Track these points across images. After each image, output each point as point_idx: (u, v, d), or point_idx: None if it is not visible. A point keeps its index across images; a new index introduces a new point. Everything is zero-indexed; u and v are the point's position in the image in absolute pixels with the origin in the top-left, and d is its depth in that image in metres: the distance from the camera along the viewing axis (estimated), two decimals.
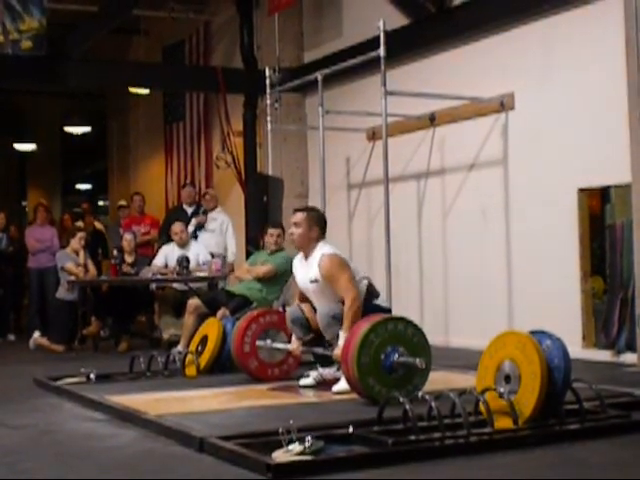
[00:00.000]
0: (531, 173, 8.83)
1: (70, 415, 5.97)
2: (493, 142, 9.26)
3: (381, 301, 6.64)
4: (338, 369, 6.65)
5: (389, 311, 6.62)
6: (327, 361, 6.68)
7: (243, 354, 7.13)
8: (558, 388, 4.83)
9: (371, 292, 6.53)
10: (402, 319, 6.03)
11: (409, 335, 5.93)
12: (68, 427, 5.56)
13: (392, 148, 8.89)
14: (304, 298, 6.80)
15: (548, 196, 8.62)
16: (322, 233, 6.61)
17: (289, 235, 6.82)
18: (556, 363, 4.85)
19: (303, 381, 6.68)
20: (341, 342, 6.18)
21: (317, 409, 5.84)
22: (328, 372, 6.65)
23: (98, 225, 13.61)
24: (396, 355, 5.84)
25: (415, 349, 5.89)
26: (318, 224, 6.60)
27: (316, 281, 6.48)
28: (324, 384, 6.59)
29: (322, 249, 6.51)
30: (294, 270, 6.85)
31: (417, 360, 5.79)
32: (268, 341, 7.09)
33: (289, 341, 6.96)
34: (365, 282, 6.51)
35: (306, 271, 6.61)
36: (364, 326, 5.89)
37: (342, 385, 6.32)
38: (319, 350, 6.61)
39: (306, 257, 6.64)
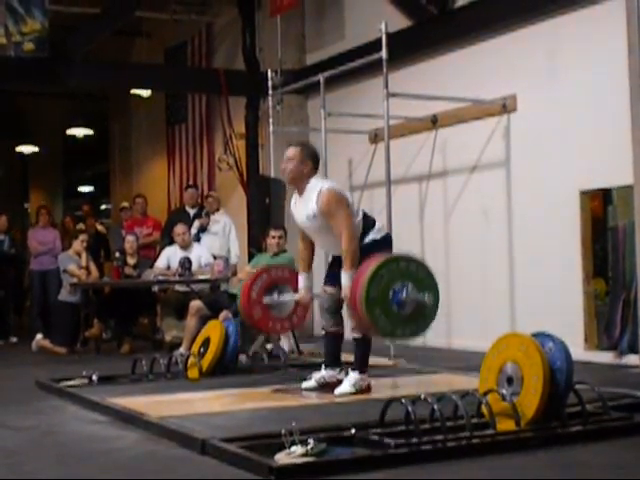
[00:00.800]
0: (533, 175, 8.83)
1: (72, 417, 5.97)
2: (495, 144, 9.26)
3: (377, 231, 6.49)
4: (340, 371, 6.65)
5: (385, 240, 6.51)
6: (333, 362, 6.65)
7: (257, 321, 7.13)
8: (560, 390, 4.83)
9: (366, 225, 6.42)
10: (412, 258, 6.09)
11: (417, 273, 5.97)
12: (70, 429, 5.56)
13: (394, 150, 8.89)
14: (304, 237, 6.71)
15: (550, 198, 8.62)
16: (315, 168, 6.48)
17: (281, 171, 6.66)
18: (558, 365, 4.84)
19: (306, 384, 6.67)
20: (345, 281, 6.14)
21: (319, 411, 5.83)
22: (330, 374, 6.64)
23: (99, 227, 13.61)
24: (405, 291, 5.86)
25: (423, 286, 5.93)
26: (311, 158, 6.47)
27: (314, 217, 6.34)
28: (326, 386, 6.59)
29: (320, 183, 6.39)
30: (292, 209, 6.65)
31: (425, 295, 5.86)
32: (275, 295, 7.10)
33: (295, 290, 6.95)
34: (359, 218, 6.41)
35: (303, 207, 6.43)
36: (373, 263, 5.89)
37: (345, 388, 6.32)
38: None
39: (300, 193, 6.50)
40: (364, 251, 6.22)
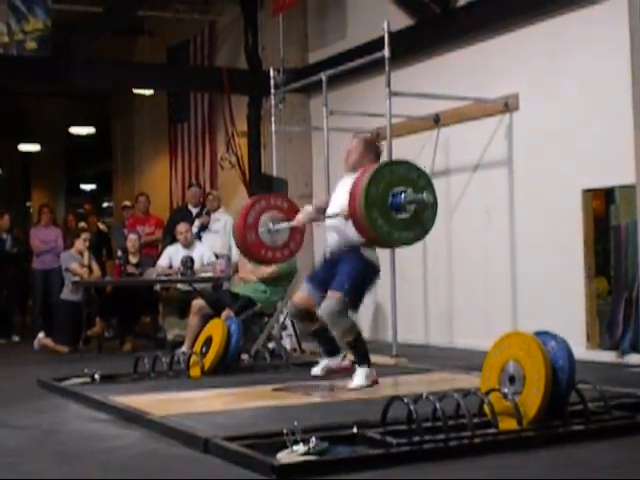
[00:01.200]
0: (536, 174, 8.83)
1: (74, 416, 5.98)
2: (498, 143, 9.26)
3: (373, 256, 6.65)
4: (344, 358, 6.70)
5: (377, 268, 6.68)
6: (332, 352, 6.73)
7: (249, 245, 7.17)
8: (562, 389, 4.83)
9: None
10: (414, 165, 6.20)
11: (418, 180, 6.09)
12: (72, 428, 5.57)
13: (396, 149, 8.87)
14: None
15: (552, 197, 8.62)
16: (375, 160, 6.63)
17: (344, 162, 6.79)
18: (560, 364, 4.84)
19: (314, 371, 6.83)
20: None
21: (321, 410, 5.83)
22: (334, 363, 6.71)
23: (101, 226, 13.60)
24: (404, 195, 5.97)
25: (421, 189, 6.05)
26: (373, 151, 6.70)
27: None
28: (332, 374, 6.66)
29: None
30: (336, 189, 6.79)
31: (424, 194, 5.97)
32: (270, 225, 7.14)
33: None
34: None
35: (347, 183, 6.47)
36: (373, 167, 6.06)
37: (359, 381, 6.37)
38: None
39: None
40: (355, 260, 6.41)
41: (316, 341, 6.96)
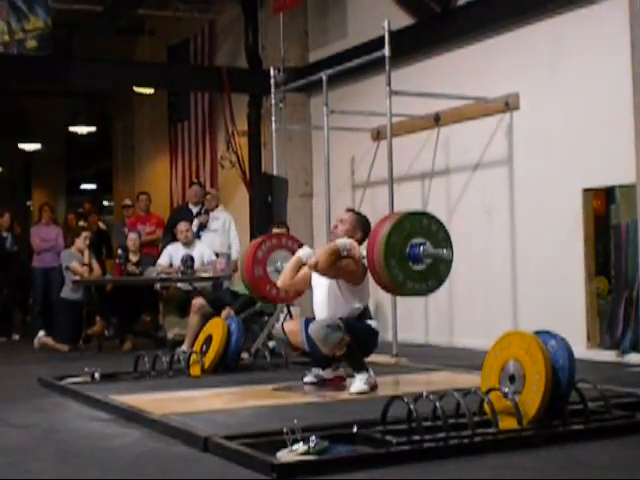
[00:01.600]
0: (536, 173, 8.83)
1: (74, 415, 5.98)
2: (498, 142, 9.26)
3: (374, 324, 6.57)
4: (336, 368, 6.65)
5: (377, 334, 6.54)
6: (324, 363, 6.67)
7: (256, 280, 7.18)
8: (563, 388, 4.83)
9: (365, 313, 6.52)
10: (434, 218, 6.32)
11: (437, 233, 6.18)
12: (72, 426, 5.57)
13: (397, 148, 8.88)
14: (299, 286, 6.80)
15: (553, 196, 8.62)
16: (362, 240, 6.55)
17: (332, 229, 6.75)
18: (561, 363, 4.84)
19: (307, 378, 6.72)
20: (340, 241, 6.30)
21: (321, 409, 5.83)
22: (327, 372, 6.66)
23: (101, 225, 13.58)
24: (422, 247, 6.05)
25: (439, 243, 6.12)
26: (362, 229, 6.58)
27: None
28: (325, 382, 6.60)
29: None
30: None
31: (444, 251, 6.06)
32: (278, 264, 7.14)
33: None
34: (362, 305, 6.49)
35: None
36: (394, 217, 6.17)
37: (359, 386, 6.31)
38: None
39: None
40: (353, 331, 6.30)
41: (306, 356, 6.87)
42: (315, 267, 6.26)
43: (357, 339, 6.28)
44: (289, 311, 9.33)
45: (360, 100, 10.78)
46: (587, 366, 7.00)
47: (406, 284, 6.11)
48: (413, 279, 6.09)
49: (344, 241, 6.32)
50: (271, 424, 4.92)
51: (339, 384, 6.58)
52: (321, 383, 6.64)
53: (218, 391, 6.61)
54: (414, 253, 6.05)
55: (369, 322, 6.50)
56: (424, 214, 6.42)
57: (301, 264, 6.61)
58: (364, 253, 6.29)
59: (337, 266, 6.25)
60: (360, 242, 6.50)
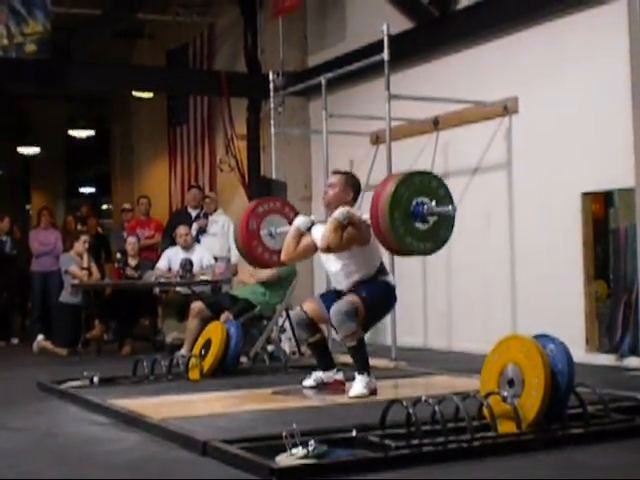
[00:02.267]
0: (535, 177, 8.83)
1: (73, 418, 5.97)
2: (497, 146, 9.26)
3: (390, 280, 6.67)
4: (337, 371, 6.67)
5: (394, 290, 6.65)
6: (327, 366, 6.69)
7: (250, 244, 7.20)
8: (562, 392, 4.83)
9: (381, 269, 6.59)
10: (433, 175, 6.38)
11: (437, 190, 6.21)
12: (71, 430, 5.56)
13: (396, 152, 8.88)
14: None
15: (552, 200, 8.62)
16: (354, 199, 6.61)
17: (324, 195, 6.73)
18: (560, 367, 4.84)
19: (306, 382, 6.71)
20: (337, 212, 6.30)
21: (320, 413, 5.84)
22: (327, 375, 6.66)
23: (98, 229, 13.53)
24: (426, 206, 6.09)
25: (443, 203, 6.16)
26: (353, 188, 6.62)
27: None
28: (324, 386, 6.60)
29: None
30: (314, 234, 6.69)
31: (450, 207, 6.10)
32: (272, 228, 7.16)
33: (290, 223, 7.00)
34: (376, 262, 6.56)
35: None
36: (393, 180, 6.17)
37: (358, 390, 6.32)
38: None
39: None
40: (371, 284, 6.41)
41: (313, 353, 6.85)
42: (328, 249, 6.31)
43: (375, 307, 6.44)
44: (288, 315, 9.34)
45: (359, 104, 10.78)
46: (586, 370, 7.00)
47: (411, 243, 6.16)
48: (417, 238, 6.14)
49: (340, 212, 6.31)
50: (270, 428, 4.92)
51: (338, 388, 6.57)
52: (320, 387, 6.64)
53: (217, 395, 6.61)
54: (418, 212, 6.10)
55: (385, 279, 6.55)
56: (426, 173, 6.47)
57: (300, 233, 6.69)
58: (365, 216, 6.34)
59: (344, 239, 6.29)
60: (353, 201, 6.58)
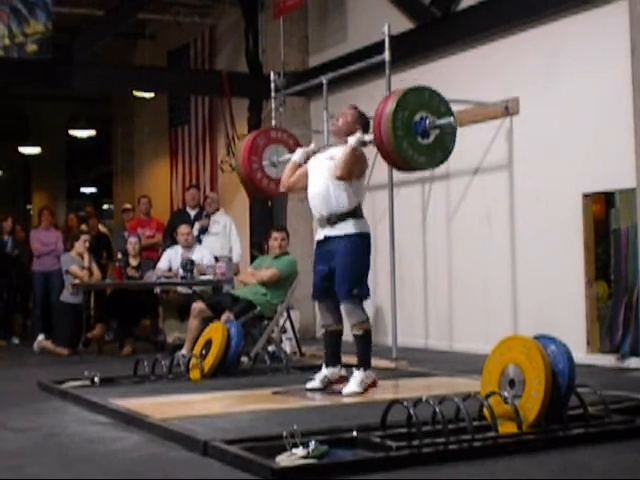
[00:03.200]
0: (536, 178, 8.83)
1: (74, 418, 5.97)
2: (498, 147, 9.26)
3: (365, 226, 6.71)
4: (341, 368, 6.68)
5: (369, 236, 6.70)
6: (334, 361, 6.70)
7: (251, 170, 7.31)
8: (562, 393, 4.83)
9: (358, 209, 6.68)
10: (426, 88, 6.65)
11: (434, 102, 6.46)
12: (72, 430, 5.56)
13: None
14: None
15: (553, 201, 8.62)
16: (364, 132, 6.67)
17: (331, 124, 6.91)
18: (560, 368, 4.84)
19: (310, 384, 6.70)
20: (352, 140, 6.42)
21: (321, 413, 5.83)
22: (332, 372, 6.68)
23: (102, 228, 13.55)
24: (428, 120, 6.31)
25: (441, 113, 6.40)
26: (361, 123, 6.70)
27: (331, 159, 6.58)
28: (330, 385, 6.62)
29: None
30: (309, 164, 6.83)
31: (451, 119, 6.33)
32: (274, 157, 7.29)
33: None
34: (357, 200, 6.65)
35: (327, 154, 6.71)
36: (393, 97, 6.38)
37: (352, 388, 6.35)
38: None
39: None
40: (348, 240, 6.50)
41: (328, 343, 6.82)
42: (342, 178, 6.42)
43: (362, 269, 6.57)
44: (289, 316, 9.35)
45: (360, 104, 10.68)
46: (587, 371, 7.01)
47: (416, 158, 6.38)
48: (422, 153, 6.35)
49: (355, 138, 6.43)
50: (271, 428, 4.92)
51: (344, 384, 6.57)
52: (327, 387, 6.63)
53: (217, 395, 6.61)
54: (420, 126, 6.30)
55: (359, 222, 6.60)
56: (424, 88, 6.65)
57: (297, 166, 6.93)
58: (368, 137, 6.49)
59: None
60: (362, 132, 6.61)
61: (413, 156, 6.37)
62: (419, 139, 6.34)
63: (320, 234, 6.69)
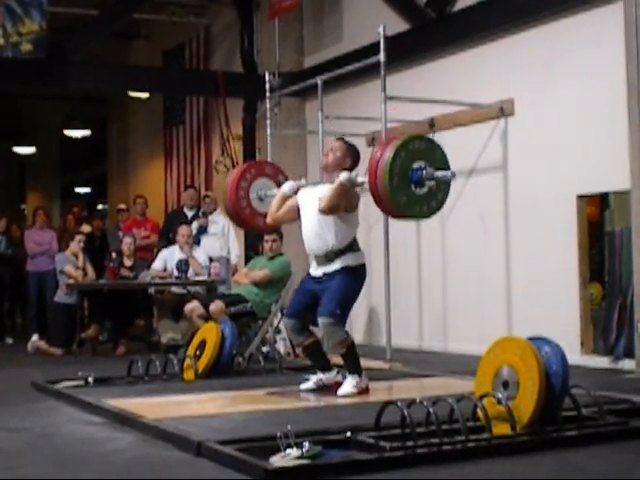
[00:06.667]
0: (530, 179, 8.84)
1: (68, 419, 5.96)
2: (492, 148, 9.26)
3: (358, 257, 6.59)
4: (337, 372, 6.67)
5: (364, 267, 6.62)
6: (325, 367, 6.69)
7: (239, 205, 7.36)
8: (556, 394, 4.83)
9: (354, 243, 6.57)
10: (426, 138, 6.69)
11: (433, 153, 6.48)
12: (66, 430, 5.56)
13: None
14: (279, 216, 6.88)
15: (547, 202, 8.62)
16: (351, 169, 6.58)
17: (321, 160, 6.80)
18: (554, 369, 4.85)
19: (304, 385, 6.69)
20: (343, 177, 6.35)
21: (315, 414, 5.83)
22: (327, 377, 6.66)
23: (86, 228, 13.25)
24: (424, 171, 6.33)
25: (438, 166, 6.40)
26: (353, 157, 6.62)
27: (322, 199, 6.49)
28: (325, 388, 6.60)
29: None
30: (299, 197, 6.76)
31: (449, 173, 6.33)
32: (261, 192, 7.28)
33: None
34: (351, 235, 6.55)
35: (318, 190, 6.60)
36: (392, 144, 6.39)
37: (347, 389, 6.35)
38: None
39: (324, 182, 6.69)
40: (340, 273, 6.40)
41: (309, 356, 6.82)
42: (328, 211, 6.36)
43: (349, 299, 6.51)
44: (283, 316, 9.33)
45: (355, 105, 10.78)
46: (581, 372, 7.01)
47: (410, 207, 6.43)
48: (416, 202, 6.39)
49: (345, 176, 6.37)
50: (265, 429, 4.92)
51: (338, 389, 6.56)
52: (322, 389, 6.61)
53: (212, 396, 6.60)
54: (416, 176, 6.33)
55: (356, 255, 6.51)
56: (422, 138, 6.68)
57: (286, 198, 6.84)
58: (361, 179, 6.44)
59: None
60: (350, 169, 6.54)
61: (407, 205, 6.38)
62: (414, 188, 6.34)
63: (317, 271, 6.57)
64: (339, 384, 6.54)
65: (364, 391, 6.42)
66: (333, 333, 6.35)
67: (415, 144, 6.47)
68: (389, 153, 6.29)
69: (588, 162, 8.21)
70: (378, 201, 6.40)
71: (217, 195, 12.39)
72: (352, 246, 6.52)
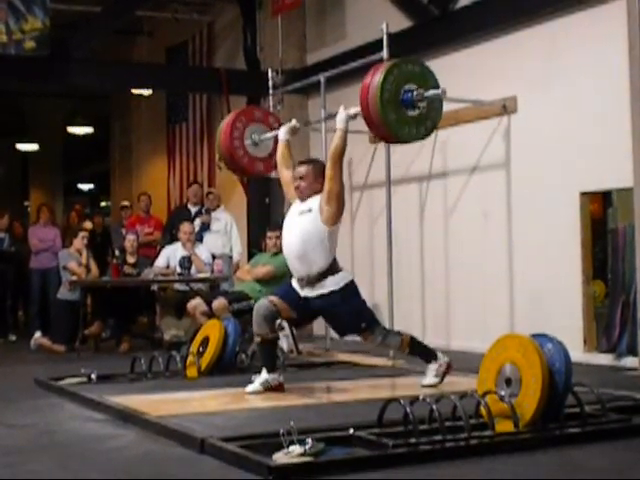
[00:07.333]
0: (533, 176, 8.83)
1: (71, 415, 5.97)
2: (495, 145, 9.26)
3: (341, 278, 6.48)
4: (280, 375, 6.51)
5: (350, 286, 6.52)
6: (272, 367, 6.52)
7: (237, 154, 7.40)
8: (559, 392, 4.83)
9: (336, 264, 6.48)
10: (413, 60, 6.69)
11: (424, 75, 6.51)
12: (69, 427, 5.56)
13: (394, 151, 8.89)
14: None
15: (550, 200, 8.62)
16: (323, 183, 6.49)
17: (295, 189, 6.58)
18: (557, 366, 4.84)
19: (250, 388, 6.44)
20: (339, 121, 6.41)
21: (318, 411, 5.83)
22: (273, 378, 6.45)
23: (87, 225, 13.27)
24: (415, 92, 6.36)
25: (429, 86, 6.46)
26: (322, 173, 6.48)
27: (309, 211, 6.39)
28: (271, 390, 6.41)
29: None
30: (287, 217, 6.68)
31: (439, 91, 6.40)
32: (255, 136, 7.32)
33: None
34: (332, 256, 6.45)
35: (300, 207, 6.49)
36: (381, 69, 6.37)
37: (429, 380, 6.45)
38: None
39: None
40: (331, 299, 6.35)
41: (263, 352, 6.54)
42: (335, 157, 6.31)
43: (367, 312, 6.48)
44: None
45: (358, 102, 10.75)
46: (584, 369, 7.01)
47: (404, 130, 6.42)
48: (410, 124, 6.40)
49: (341, 118, 6.43)
50: (267, 426, 4.91)
51: (281, 391, 6.43)
52: (267, 390, 6.42)
53: (214, 393, 6.60)
54: (407, 97, 6.35)
55: (342, 274, 6.44)
56: (415, 61, 6.70)
57: (285, 144, 6.96)
58: (354, 110, 6.46)
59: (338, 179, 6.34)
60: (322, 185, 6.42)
61: (399, 127, 6.39)
62: (406, 110, 6.36)
63: (302, 291, 6.47)
64: (282, 386, 6.44)
65: (447, 371, 6.51)
66: (384, 341, 6.43)
67: (408, 66, 6.50)
68: (379, 76, 6.30)
69: (591, 159, 8.20)
70: (371, 124, 6.43)
71: (220, 193, 12.42)
72: (332, 268, 6.40)
